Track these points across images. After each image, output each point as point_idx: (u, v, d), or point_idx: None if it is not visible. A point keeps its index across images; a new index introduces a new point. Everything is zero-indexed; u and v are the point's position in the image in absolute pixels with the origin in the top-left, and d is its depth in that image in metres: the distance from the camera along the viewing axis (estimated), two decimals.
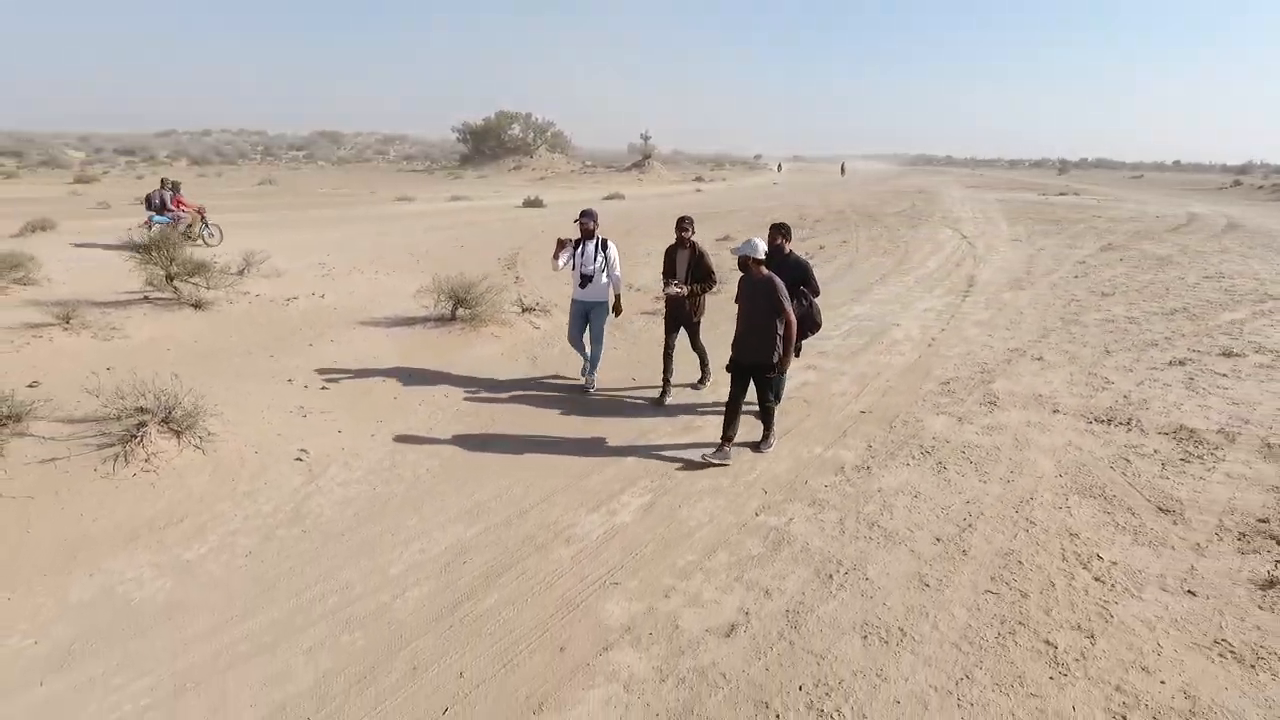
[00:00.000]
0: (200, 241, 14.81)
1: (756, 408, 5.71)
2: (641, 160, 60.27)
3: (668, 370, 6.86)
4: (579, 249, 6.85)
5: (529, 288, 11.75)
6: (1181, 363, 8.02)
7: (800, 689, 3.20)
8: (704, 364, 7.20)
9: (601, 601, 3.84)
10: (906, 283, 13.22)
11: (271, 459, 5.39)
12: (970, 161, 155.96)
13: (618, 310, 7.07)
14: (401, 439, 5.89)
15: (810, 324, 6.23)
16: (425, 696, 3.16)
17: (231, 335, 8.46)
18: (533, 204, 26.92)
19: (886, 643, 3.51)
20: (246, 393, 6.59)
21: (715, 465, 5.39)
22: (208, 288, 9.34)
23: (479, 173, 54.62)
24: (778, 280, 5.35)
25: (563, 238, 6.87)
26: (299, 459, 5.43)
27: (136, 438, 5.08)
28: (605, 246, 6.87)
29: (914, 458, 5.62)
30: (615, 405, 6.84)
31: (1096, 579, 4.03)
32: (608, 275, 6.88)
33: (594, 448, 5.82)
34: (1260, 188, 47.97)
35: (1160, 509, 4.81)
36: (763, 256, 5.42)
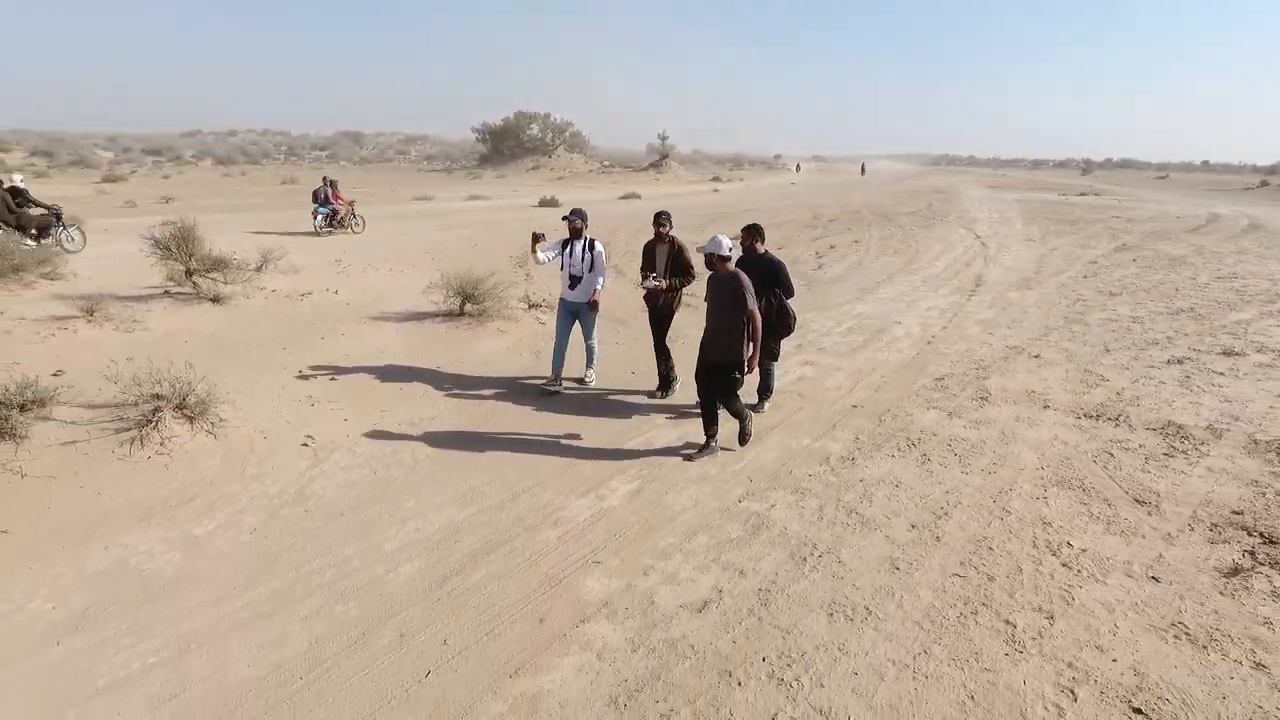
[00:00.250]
0: (348, 229, 18.18)
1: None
2: (659, 160, 60.46)
3: (662, 364, 7.01)
4: (567, 249, 6.92)
5: (538, 285, 11.95)
6: (1180, 361, 8.06)
7: (763, 660, 3.37)
8: (665, 365, 7.04)
9: (583, 578, 4.03)
10: (913, 282, 13.30)
11: (279, 444, 5.64)
12: (993, 162, 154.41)
13: (594, 307, 7.04)
14: (404, 427, 6.12)
15: (782, 325, 6.18)
16: (410, 661, 3.37)
17: (247, 329, 8.76)
18: (548, 203, 27.22)
19: (851, 620, 3.67)
20: (258, 383, 6.86)
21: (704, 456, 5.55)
22: (225, 283, 9.65)
23: (498, 172, 55.11)
24: (742, 276, 5.38)
25: (537, 231, 6.82)
26: (305, 445, 5.67)
27: (152, 422, 5.35)
28: (593, 247, 6.90)
29: (899, 450, 5.76)
30: (613, 399, 7.02)
31: (1064, 565, 4.16)
32: (596, 275, 6.91)
33: (589, 438, 6.01)
34: None
35: (1137, 500, 4.92)
36: (727, 254, 5.42)
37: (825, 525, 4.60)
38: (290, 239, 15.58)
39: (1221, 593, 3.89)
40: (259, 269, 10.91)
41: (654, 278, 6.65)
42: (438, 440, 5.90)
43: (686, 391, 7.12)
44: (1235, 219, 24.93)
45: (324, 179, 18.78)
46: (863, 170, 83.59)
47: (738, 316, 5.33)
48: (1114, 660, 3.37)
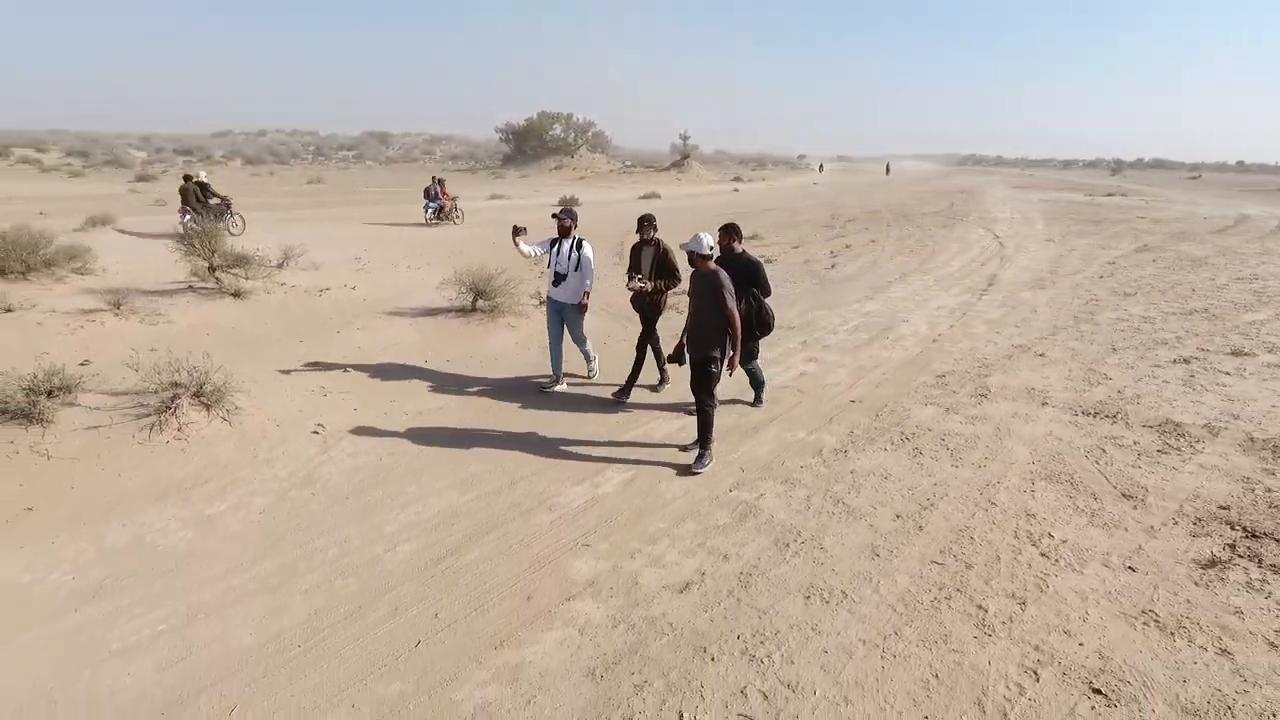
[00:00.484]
0: (451, 221, 20.91)
1: (746, 395, 5.92)
2: (680, 160, 60.57)
3: (659, 359, 7.08)
4: (555, 247, 6.96)
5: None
6: (1186, 361, 8.05)
7: (738, 638, 3.51)
8: (636, 367, 6.99)
9: (572, 560, 4.20)
10: (926, 281, 13.30)
11: (291, 431, 5.88)
12: (1021, 162, 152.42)
13: (581, 310, 7.07)
14: (410, 417, 6.33)
15: (760, 324, 6.16)
16: (402, 632, 3.56)
17: (266, 322, 9.04)
18: (568, 203, 27.51)
19: (827, 602, 3.79)
20: (274, 373, 7.12)
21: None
22: (247, 278, 9.96)
23: (521, 172, 55.57)
24: (723, 276, 5.36)
25: (518, 224, 6.87)
26: (315, 432, 5.90)
27: (170, 409, 5.61)
28: (580, 246, 6.91)
29: (892, 443, 5.85)
30: (614, 392, 7.17)
31: (1042, 554, 4.24)
32: (583, 275, 6.92)
33: (588, 430, 6.17)
34: None
35: (1123, 495, 4.97)
36: (709, 252, 5.38)
37: (812, 514, 4.72)
38: (394, 229, 15.96)
39: (1196, 583, 3.96)
40: (280, 265, 11.25)
41: (639, 279, 6.68)
42: (442, 430, 6.10)
43: (675, 391, 7.27)
44: (1265, 220, 24.48)
45: (433, 178, 21.98)
46: (887, 170, 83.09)
47: (718, 314, 5.32)
48: (1080, 644, 3.46)
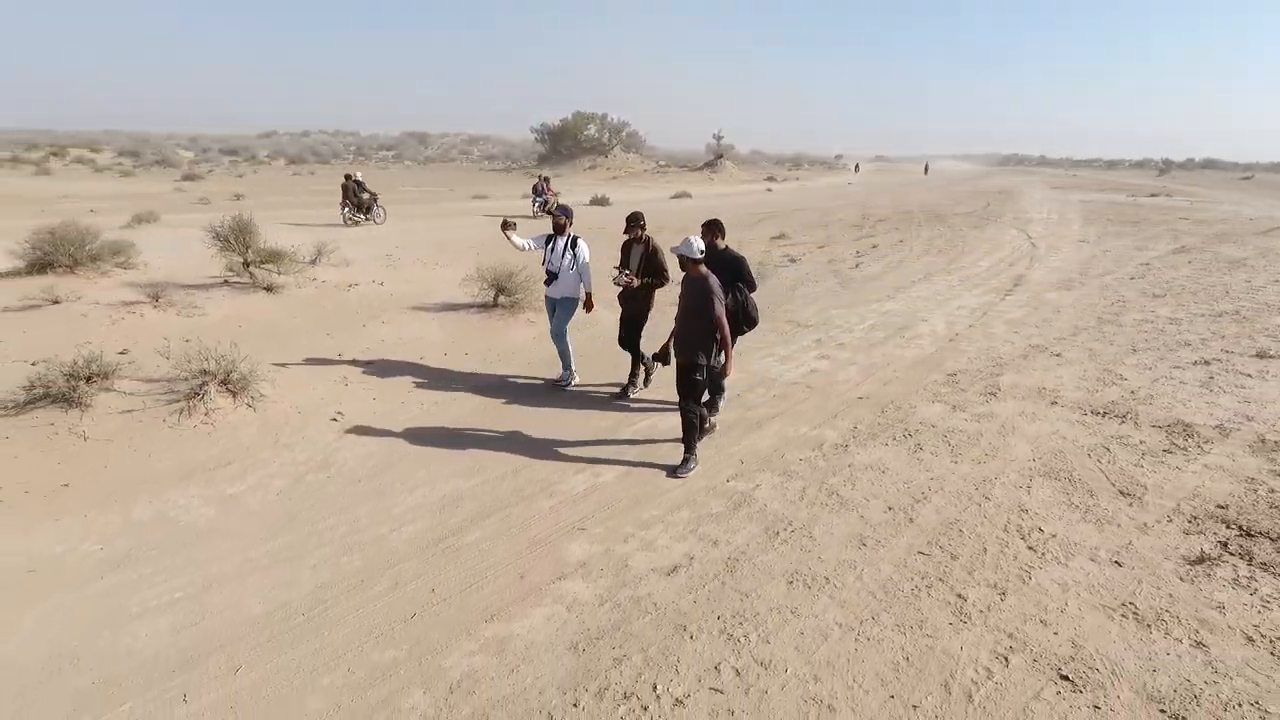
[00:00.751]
0: (544, 214, 23.44)
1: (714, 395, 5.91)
2: (713, 160, 60.51)
3: (641, 357, 7.06)
4: (549, 245, 6.98)
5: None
6: (1207, 362, 7.93)
7: (718, 618, 3.65)
8: (635, 366, 7.08)
9: (567, 542, 4.37)
10: (950, 281, 13.22)
11: (311, 418, 6.15)
12: (1065, 162, 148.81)
13: (589, 307, 7.14)
14: (426, 407, 6.57)
15: (746, 319, 6.11)
16: (399, 604, 3.76)
17: (296, 316, 9.39)
18: (599, 202, 27.73)
19: (809, 588, 3.90)
20: (300, 364, 7.42)
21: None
22: (279, 273, 10.33)
23: (555, 171, 55.96)
24: (713, 280, 5.33)
25: (508, 219, 6.92)
26: (334, 419, 6.17)
27: (199, 395, 5.92)
28: (575, 245, 6.91)
29: (894, 439, 5.92)
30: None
31: (1030, 548, 4.29)
32: (577, 274, 6.95)
33: (595, 422, 6.35)
34: None
35: (1121, 492, 4.99)
36: (699, 256, 5.33)
37: (805, 505, 4.83)
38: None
39: (1181, 579, 3.98)
40: (313, 262, 11.63)
41: (625, 274, 6.65)
42: (455, 419, 6.32)
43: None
44: None
45: (540, 177, 26.07)
46: (926, 170, 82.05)
47: (705, 319, 5.27)
48: (1055, 633, 3.53)
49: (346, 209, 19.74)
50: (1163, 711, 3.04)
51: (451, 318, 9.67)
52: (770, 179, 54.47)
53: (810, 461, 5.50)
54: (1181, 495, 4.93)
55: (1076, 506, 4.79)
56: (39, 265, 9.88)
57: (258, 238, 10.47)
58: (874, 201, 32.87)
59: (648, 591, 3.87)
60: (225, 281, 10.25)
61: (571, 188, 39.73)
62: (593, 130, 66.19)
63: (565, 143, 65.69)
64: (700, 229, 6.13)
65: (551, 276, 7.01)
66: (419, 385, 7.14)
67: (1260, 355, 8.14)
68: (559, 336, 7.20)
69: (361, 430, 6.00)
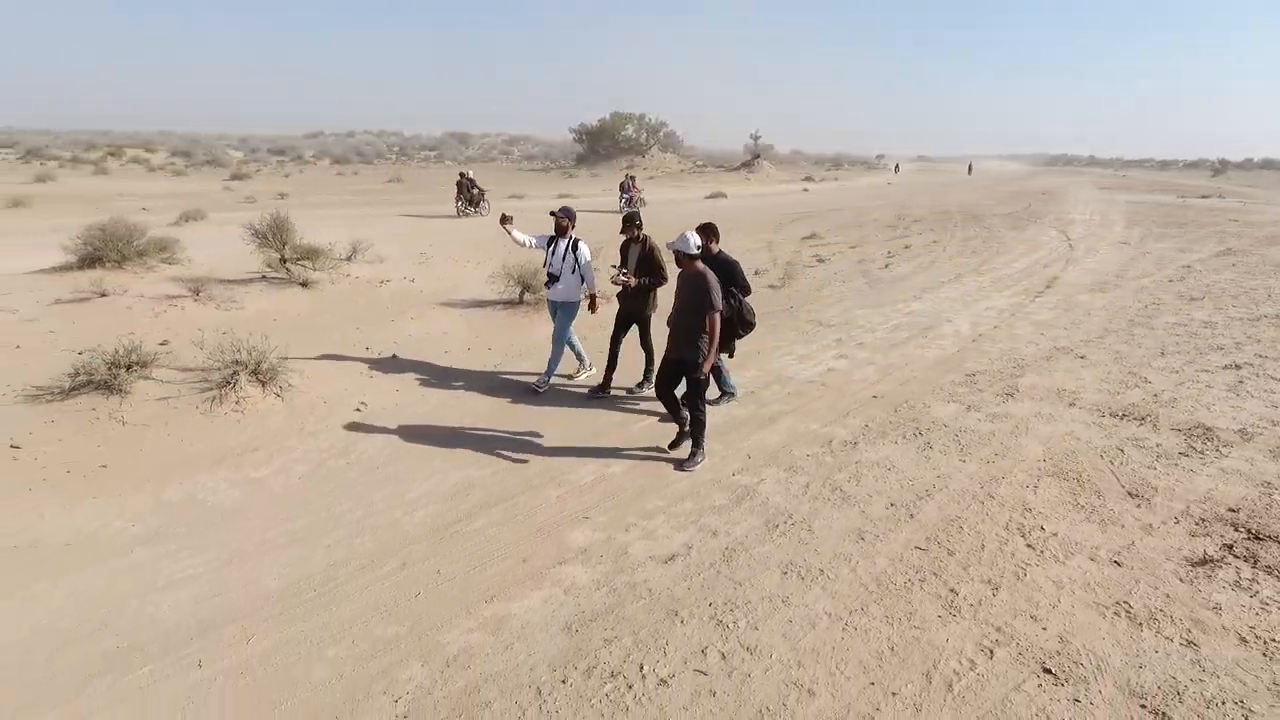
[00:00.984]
0: (634, 206, 24.93)
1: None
2: (750, 160, 60.26)
3: (611, 364, 7.03)
4: (550, 247, 6.99)
5: (600, 276, 12.50)
6: (1238, 366, 7.77)
7: (710, 605, 3.75)
8: (649, 363, 7.05)
9: (570, 530, 4.51)
10: (980, 282, 13.07)
11: (336, 408, 6.39)
12: (1115, 162, 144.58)
13: (593, 308, 7.13)
14: (446, 399, 6.77)
15: (742, 323, 6.02)
16: (406, 584, 3.94)
17: (328, 310, 9.70)
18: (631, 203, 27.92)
19: (803, 579, 3.98)
20: (329, 356, 7.69)
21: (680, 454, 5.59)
22: (314, 270, 10.67)
23: (592, 171, 56.35)
24: (710, 276, 5.34)
25: (506, 214, 6.96)
26: (358, 410, 6.40)
27: (230, 384, 6.20)
28: (576, 247, 6.88)
29: (904, 437, 5.94)
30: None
31: (1029, 546, 4.31)
32: (578, 276, 6.92)
33: (608, 417, 6.48)
34: None
35: (1130, 494, 4.95)
36: (695, 252, 5.38)
37: (807, 499, 4.89)
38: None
39: (1181, 580, 3.97)
40: (348, 259, 11.97)
41: (623, 272, 6.67)
42: (472, 412, 6.50)
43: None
44: None
45: (627, 175, 28.66)
46: (969, 170, 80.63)
47: (699, 316, 5.29)
48: (1044, 629, 3.55)
49: (460, 202, 22.32)
50: (1143, 707, 3.06)
51: (478, 314, 9.89)
52: (808, 179, 54.03)
53: (817, 458, 5.56)
54: (1192, 498, 4.88)
55: (1082, 507, 4.78)
56: (89, 260, 10.35)
57: (294, 235, 10.81)
58: (912, 202, 32.47)
59: (644, 578, 3.99)
60: (263, 277, 10.62)
61: (607, 187, 39.86)
62: (630, 130, 66.36)
63: (603, 143, 65.99)
64: (693, 231, 6.06)
65: (552, 279, 6.99)
66: (441, 379, 7.35)
67: None
68: (559, 341, 7.14)
69: (382, 420, 6.22)
